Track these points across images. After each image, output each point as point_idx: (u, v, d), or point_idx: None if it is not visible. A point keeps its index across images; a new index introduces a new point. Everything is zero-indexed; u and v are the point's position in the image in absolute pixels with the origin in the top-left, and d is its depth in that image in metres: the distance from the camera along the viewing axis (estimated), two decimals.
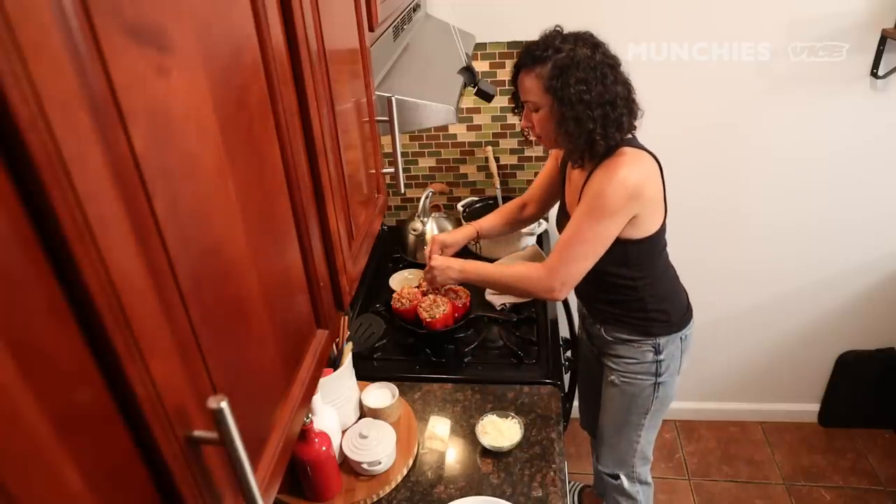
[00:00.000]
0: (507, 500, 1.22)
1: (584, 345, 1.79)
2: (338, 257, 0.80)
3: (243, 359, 0.53)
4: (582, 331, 1.77)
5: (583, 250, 1.29)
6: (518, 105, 1.40)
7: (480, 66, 1.87)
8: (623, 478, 1.68)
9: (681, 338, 1.50)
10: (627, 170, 1.24)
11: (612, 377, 1.56)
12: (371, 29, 0.99)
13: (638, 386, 1.52)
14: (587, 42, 1.25)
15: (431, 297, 1.64)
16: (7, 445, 0.27)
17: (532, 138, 1.41)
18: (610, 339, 1.53)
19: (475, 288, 1.78)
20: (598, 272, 1.34)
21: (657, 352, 1.48)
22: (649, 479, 1.72)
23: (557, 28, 1.30)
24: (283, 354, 0.63)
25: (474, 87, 1.37)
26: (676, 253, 1.51)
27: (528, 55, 1.28)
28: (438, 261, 1.50)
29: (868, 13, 1.71)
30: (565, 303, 1.82)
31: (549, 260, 1.34)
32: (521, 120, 1.38)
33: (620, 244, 1.31)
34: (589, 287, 1.45)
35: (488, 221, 1.69)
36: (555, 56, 1.23)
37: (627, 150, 1.28)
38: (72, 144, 0.30)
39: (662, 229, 1.39)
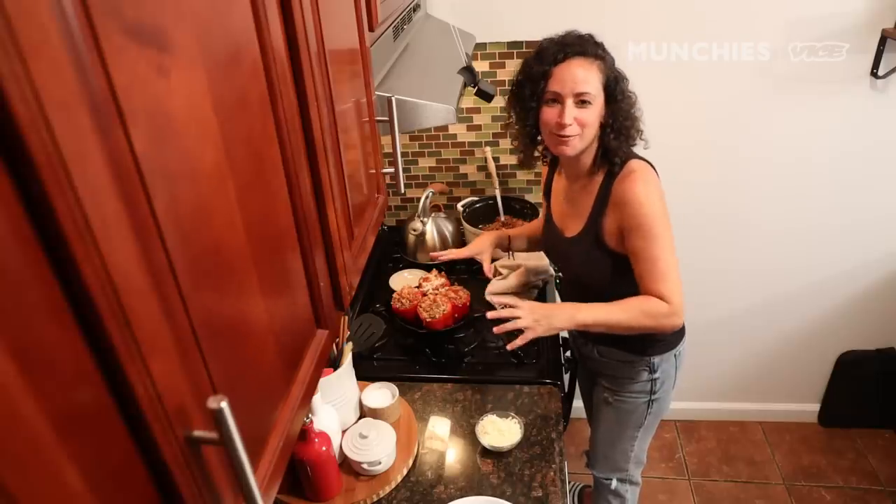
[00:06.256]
0: (507, 500, 1.22)
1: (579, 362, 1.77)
2: (338, 257, 0.80)
3: (243, 359, 0.53)
4: (574, 350, 1.72)
5: (673, 267, 1.25)
6: (537, 101, 1.26)
7: (480, 66, 1.86)
8: (615, 480, 1.70)
9: (675, 355, 1.48)
10: (643, 186, 1.25)
11: (605, 395, 1.56)
12: (371, 29, 0.99)
13: (632, 404, 1.52)
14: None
15: (431, 296, 1.64)
16: (7, 445, 0.27)
17: (570, 136, 1.23)
18: (604, 359, 1.52)
19: (475, 288, 1.78)
20: (599, 293, 1.31)
21: (652, 370, 1.46)
22: (639, 480, 1.74)
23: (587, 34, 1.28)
24: (283, 354, 0.63)
25: (474, 87, 1.36)
26: (676, 252, 1.51)
27: (585, 44, 1.23)
28: (537, 310, 1.26)
29: (868, 13, 1.71)
30: None
31: (656, 292, 1.24)
32: (559, 116, 1.22)
33: (624, 259, 1.30)
34: None
35: (517, 232, 1.71)
36: (606, 55, 1.26)
37: (634, 163, 1.29)
38: (72, 144, 0.30)
39: None
